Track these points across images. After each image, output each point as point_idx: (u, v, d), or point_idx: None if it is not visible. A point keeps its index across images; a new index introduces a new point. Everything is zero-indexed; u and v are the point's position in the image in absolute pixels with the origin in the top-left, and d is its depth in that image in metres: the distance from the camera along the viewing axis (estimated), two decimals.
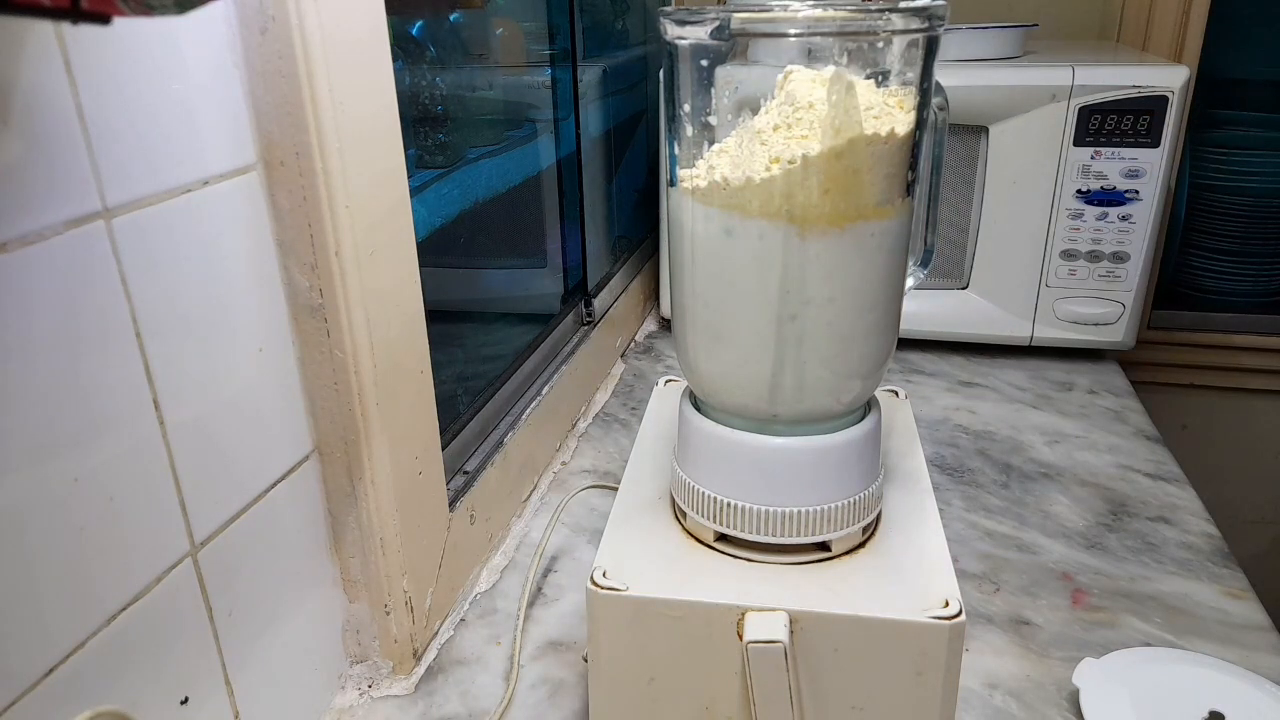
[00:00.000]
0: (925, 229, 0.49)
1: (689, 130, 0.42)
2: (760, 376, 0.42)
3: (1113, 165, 0.87)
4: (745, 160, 0.39)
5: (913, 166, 0.41)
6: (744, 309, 0.42)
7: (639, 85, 1.16)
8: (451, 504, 0.61)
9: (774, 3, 0.37)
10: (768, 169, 0.39)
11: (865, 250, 0.40)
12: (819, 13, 0.38)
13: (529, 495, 0.75)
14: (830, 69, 0.39)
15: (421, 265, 0.54)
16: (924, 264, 0.49)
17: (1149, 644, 0.57)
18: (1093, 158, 0.87)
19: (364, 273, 0.47)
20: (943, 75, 0.43)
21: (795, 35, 0.39)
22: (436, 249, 0.72)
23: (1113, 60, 0.92)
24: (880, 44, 0.39)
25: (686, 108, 0.42)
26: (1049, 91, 0.86)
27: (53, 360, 0.33)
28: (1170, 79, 0.84)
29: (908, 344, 1.00)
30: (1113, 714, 0.49)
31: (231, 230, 0.42)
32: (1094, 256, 0.90)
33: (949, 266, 0.96)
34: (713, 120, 0.41)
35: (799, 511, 0.43)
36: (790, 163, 0.38)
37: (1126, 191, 0.87)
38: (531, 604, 0.62)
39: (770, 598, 0.41)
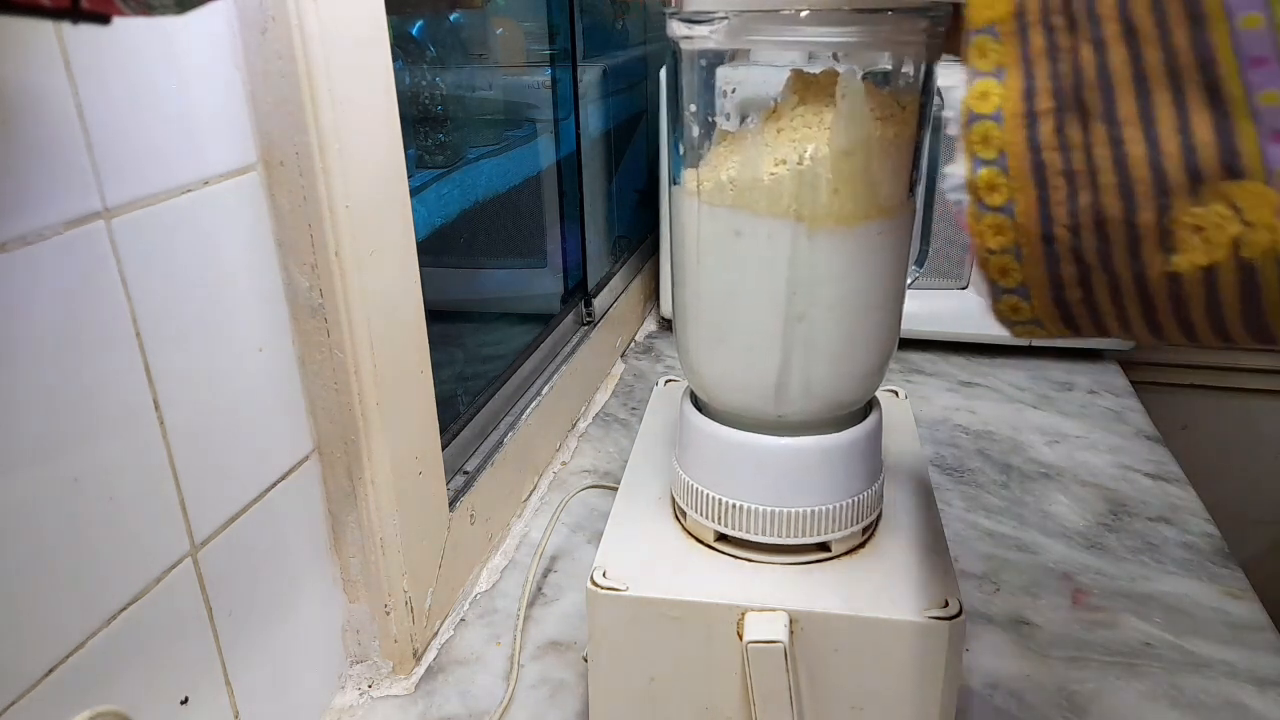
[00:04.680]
0: (921, 227, 0.49)
1: (694, 130, 0.42)
2: (766, 378, 0.42)
3: None
4: (753, 160, 0.39)
5: (916, 165, 0.41)
6: (751, 310, 0.42)
7: (639, 85, 1.16)
8: (451, 504, 0.61)
9: (781, 3, 0.37)
10: (775, 169, 0.39)
11: (873, 249, 0.40)
12: (825, 13, 0.37)
13: (529, 495, 0.75)
14: (837, 68, 0.39)
15: (421, 265, 0.53)
16: (919, 262, 0.49)
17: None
18: None
19: (364, 273, 0.47)
20: (943, 75, 0.42)
21: (802, 37, 0.39)
22: (436, 249, 0.72)
23: None
24: (886, 45, 0.39)
25: (692, 107, 0.42)
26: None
27: (52, 360, 0.33)
28: None
29: (908, 344, 1.00)
30: None
31: (231, 230, 0.42)
32: None
33: (949, 266, 0.96)
34: (718, 120, 0.41)
35: (800, 512, 0.43)
36: (799, 162, 0.38)
37: None
38: (531, 604, 0.62)
39: (770, 598, 0.41)
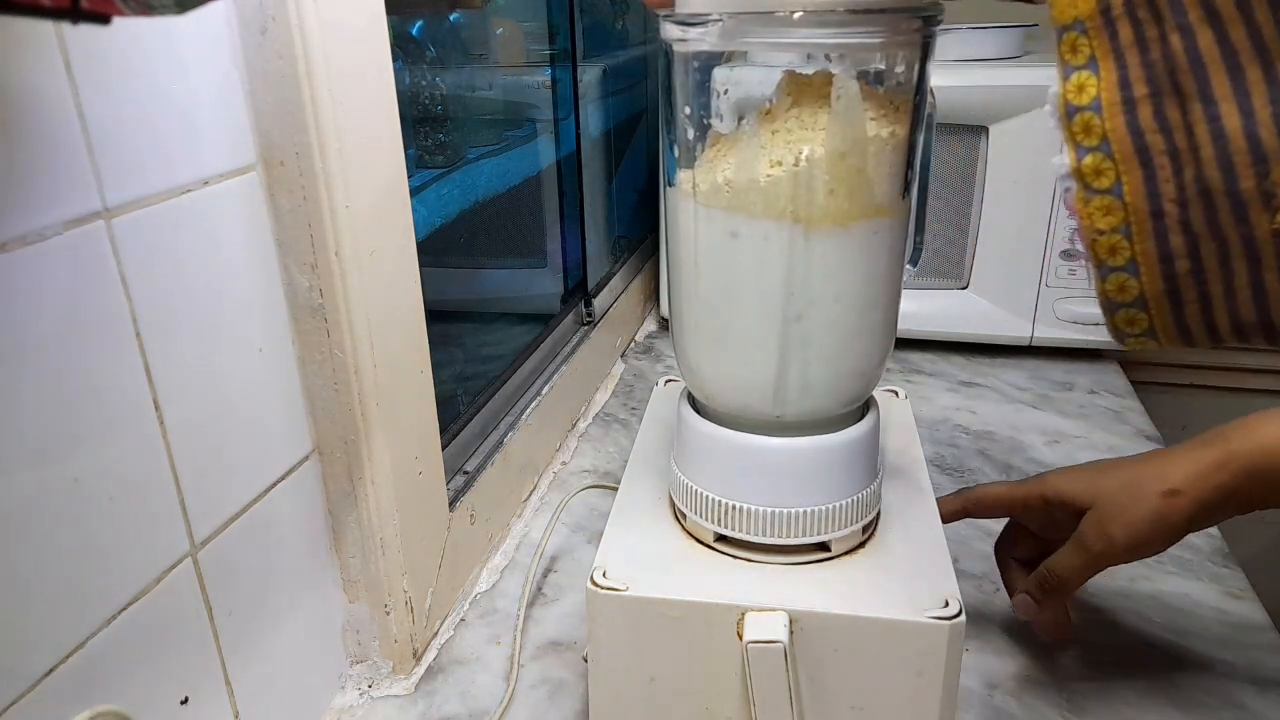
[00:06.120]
0: (914, 226, 0.49)
1: (689, 132, 0.42)
2: (765, 378, 0.42)
3: None
4: (749, 162, 0.39)
5: (910, 165, 0.41)
6: (748, 311, 0.42)
7: (639, 85, 1.16)
8: (451, 504, 0.61)
9: (774, 5, 0.37)
10: (771, 170, 0.39)
11: (869, 249, 0.40)
12: (819, 15, 0.37)
13: (529, 495, 0.75)
14: (831, 70, 0.39)
15: (421, 265, 0.54)
16: (913, 261, 0.49)
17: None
18: None
19: (364, 273, 0.47)
20: (942, 75, 0.42)
21: (795, 39, 0.39)
22: (436, 249, 0.72)
23: None
24: (879, 46, 0.39)
25: (686, 110, 0.42)
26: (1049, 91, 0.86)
27: (53, 360, 0.33)
28: None
29: (908, 344, 1.00)
30: None
31: (231, 230, 0.42)
32: None
33: (949, 266, 0.96)
34: (713, 122, 0.41)
35: (799, 512, 0.43)
36: (795, 164, 0.38)
37: None
38: (531, 604, 0.62)
39: (770, 598, 0.41)
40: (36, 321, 0.32)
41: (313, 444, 0.49)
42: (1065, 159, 0.27)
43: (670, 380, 0.61)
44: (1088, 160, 0.27)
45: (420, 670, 0.57)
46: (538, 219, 0.91)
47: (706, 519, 0.44)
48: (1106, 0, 0.26)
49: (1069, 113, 0.27)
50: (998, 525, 0.69)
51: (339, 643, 0.54)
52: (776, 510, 0.43)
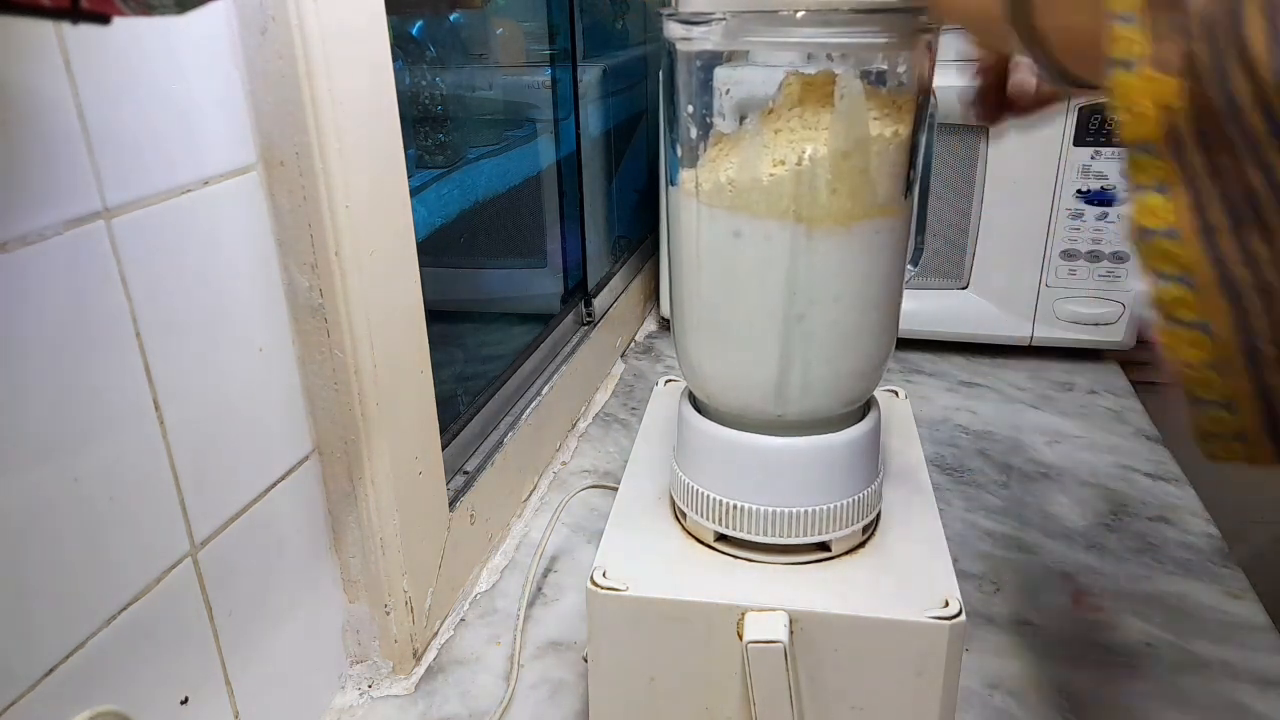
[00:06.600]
0: (915, 226, 0.49)
1: (691, 131, 0.42)
2: (767, 378, 0.42)
3: (1113, 165, 0.87)
4: (751, 161, 0.39)
5: (912, 165, 0.41)
6: (750, 310, 0.42)
7: (639, 85, 1.16)
8: (451, 504, 0.61)
9: (777, 5, 0.37)
10: (774, 169, 0.39)
11: (871, 249, 0.40)
12: (822, 14, 0.37)
13: (529, 495, 0.75)
14: (835, 69, 0.39)
15: (421, 265, 0.54)
16: (914, 261, 0.49)
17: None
18: (1093, 158, 0.87)
19: (364, 273, 0.47)
20: (944, 75, 0.42)
21: (798, 38, 0.39)
22: (436, 249, 0.72)
23: None
24: (882, 45, 0.39)
25: (689, 109, 0.42)
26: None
27: (53, 360, 0.33)
28: None
29: (908, 344, 1.00)
30: None
31: (231, 230, 0.42)
32: (1094, 256, 0.90)
33: (949, 266, 0.96)
34: (715, 121, 0.41)
35: (799, 512, 0.43)
36: (798, 163, 0.38)
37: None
38: (531, 604, 0.62)
39: (770, 598, 0.41)
40: (36, 321, 0.32)
41: (313, 444, 0.49)
42: (1144, 285, 0.25)
43: (670, 380, 0.61)
44: (1170, 290, 0.24)
45: (420, 670, 0.57)
46: (538, 219, 0.91)
47: (707, 518, 0.44)
48: (1177, 131, 0.23)
49: (1141, 235, 0.24)
50: (997, 525, 0.69)
51: (339, 643, 0.54)
52: (777, 510, 0.43)
